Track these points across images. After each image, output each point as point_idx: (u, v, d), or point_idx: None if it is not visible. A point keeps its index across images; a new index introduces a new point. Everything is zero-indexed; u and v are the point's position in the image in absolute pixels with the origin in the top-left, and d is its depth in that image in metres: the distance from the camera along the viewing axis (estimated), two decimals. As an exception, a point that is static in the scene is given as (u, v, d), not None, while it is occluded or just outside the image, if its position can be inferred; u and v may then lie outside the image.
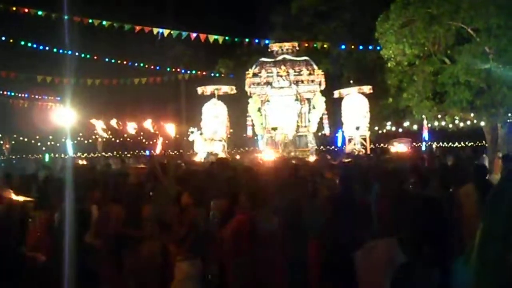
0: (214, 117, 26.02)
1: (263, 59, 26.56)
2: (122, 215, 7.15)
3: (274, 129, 25.37)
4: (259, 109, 26.05)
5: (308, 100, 26.09)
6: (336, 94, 26.79)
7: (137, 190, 8.18)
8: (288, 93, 25.43)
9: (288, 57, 26.28)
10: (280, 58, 26.25)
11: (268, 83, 25.84)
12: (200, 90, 26.80)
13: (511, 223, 1.34)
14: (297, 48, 26.92)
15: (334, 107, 27.10)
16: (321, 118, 25.85)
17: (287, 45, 26.55)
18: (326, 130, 26.30)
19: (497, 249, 1.38)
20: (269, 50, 27.01)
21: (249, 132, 26.61)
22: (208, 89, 26.68)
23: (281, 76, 25.59)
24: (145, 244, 6.84)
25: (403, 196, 6.64)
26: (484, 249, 1.44)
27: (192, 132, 25.31)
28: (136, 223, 7.04)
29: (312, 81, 25.77)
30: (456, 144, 40.41)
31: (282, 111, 25.20)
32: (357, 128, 25.27)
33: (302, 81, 25.86)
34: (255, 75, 26.18)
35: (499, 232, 1.37)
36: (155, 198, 7.69)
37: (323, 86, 25.86)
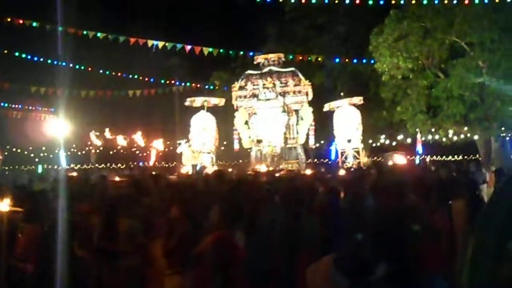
0: (203, 129, 25.40)
1: (249, 71, 26.31)
2: (100, 228, 7.00)
3: (259, 141, 25.20)
4: (246, 122, 25.72)
5: (296, 111, 25.73)
6: (326, 107, 26.18)
7: (115, 202, 8.04)
8: (275, 105, 25.15)
9: (274, 68, 25.90)
10: (266, 70, 25.90)
11: (254, 96, 25.60)
12: (188, 102, 26.43)
13: (502, 238, 1.31)
14: (283, 59, 26.55)
15: (326, 120, 26.75)
16: (308, 129, 25.39)
17: (272, 56, 26.22)
18: (311, 142, 25.80)
19: (488, 264, 1.35)
20: (254, 62, 26.62)
21: (236, 146, 26.27)
22: (197, 101, 26.23)
23: (268, 88, 25.33)
24: (123, 259, 6.53)
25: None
26: (475, 264, 1.41)
27: (179, 144, 25.07)
28: (114, 237, 6.89)
29: (299, 91, 25.44)
30: (450, 157, 40.46)
31: (269, 123, 24.91)
32: (349, 141, 24.57)
33: (289, 92, 25.51)
34: (241, 88, 25.97)
35: (491, 247, 1.35)
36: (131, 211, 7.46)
37: (310, 97, 25.56)
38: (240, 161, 31.94)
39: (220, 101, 26.75)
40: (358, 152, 24.93)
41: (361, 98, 25.24)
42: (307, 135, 25.40)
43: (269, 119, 24.93)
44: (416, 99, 25.10)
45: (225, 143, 28.46)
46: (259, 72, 25.97)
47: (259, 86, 25.54)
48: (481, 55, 22.17)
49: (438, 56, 24.42)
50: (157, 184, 9.80)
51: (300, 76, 25.62)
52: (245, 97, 25.82)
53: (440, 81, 24.11)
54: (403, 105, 25.82)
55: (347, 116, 24.93)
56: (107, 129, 28.64)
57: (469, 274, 1.44)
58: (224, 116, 27.34)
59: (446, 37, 23.35)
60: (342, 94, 26.91)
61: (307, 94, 25.46)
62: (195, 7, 35.52)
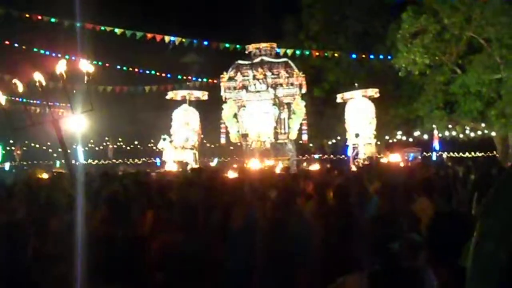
0: (185, 124, 23.91)
1: (239, 61, 24.86)
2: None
3: (245, 136, 23.95)
4: (235, 115, 24.42)
5: (288, 104, 24.27)
6: (338, 98, 24.99)
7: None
8: (265, 97, 23.82)
9: (266, 58, 24.46)
10: (257, 60, 24.46)
11: (244, 87, 24.25)
12: (170, 95, 25.08)
13: (507, 222, 1.36)
14: (276, 48, 25.20)
15: (343, 113, 26.11)
16: (301, 124, 23.99)
17: (264, 45, 24.79)
18: (305, 138, 24.33)
19: (490, 248, 1.40)
20: (246, 52, 25.22)
21: (223, 140, 24.90)
22: (179, 94, 24.94)
23: (258, 79, 24.00)
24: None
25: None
26: (478, 247, 1.46)
27: (164, 139, 23.57)
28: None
29: (292, 84, 23.95)
30: (467, 154, 40.27)
31: (259, 116, 23.59)
32: (357, 135, 22.97)
33: (281, 84, 24.02)
34: (230, 78, 24.54)
35: (496, 231, 1.39)
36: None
37: (304, 90, 24.25)
38: (229, 157, 31.24)
39: (203, 94, 25.45)
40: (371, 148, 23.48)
41: (376, 90, 24.26)
42: (300, 130, 24.05)
43: (259, 112, 23.66)
44: (433, 95, 24.98)
45: (204, 140, 27.15)
46: (249, 62, 24.63)
47: (249, 77, 24.21)
48: (499, 51, 21.99)
49: (455, 51, 24.28)
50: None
51: (294, 67, 24.29)
52: (234, 88, 24.48)
53: (457, 77, 23.98)
54: (420, 101, 25.72)
55: (359, 108, 23.67)
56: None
57: (471, 256, 1.49)
58: (209, 110, 26.36)
59: (463, 32, 23.21)
60: (356, 85, 25.63)
61: (300, 86, 24.07)
62: (210, 2, 35.60)
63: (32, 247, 4.89)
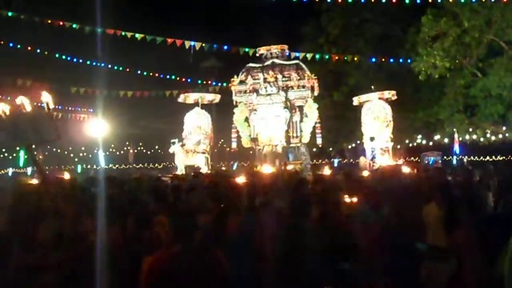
0: (197, 127, 23.34)
1: (250, 64, 24.30)
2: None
3: (254, 140, 23.32)
4: (246, 119, 23.80)
5: (300, 107, 23.40)
6: (355, 101, 24.23)
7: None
8: (276, 100, 23.07)
9: (277, 61, 23.80)
10: (268, 62, 23.86)
11: (255, 90, 23.56)
12: (182, 98, 24.51)
13: None
14: (287, 51, 24.59)
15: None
16: (314, 128, 23.18)
17: (275, 48, 24.23)
18: (319, 141, 23.51)
19: None
20: (256, 54, 24.75)
21: (234, 145, 24.36)
22: (191, 97, 24.34)
23: (269, 82, 23.26)
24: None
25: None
26: None
27: (173, 143, 22.86)
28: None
29: (303, 86, 23.13)
30: (488, 158, 39.94)
31: (270, 120, 22.94)
32: (372, 139, 22.15)
33: (292, 87, 23.25)
34: (241, 82, 23.88)
35: None
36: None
37: (316, 92, 23.51)
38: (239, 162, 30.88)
39: (215, 97, 25.00)
40: (388, 152, 22.59)
41: (393, 92, 23.38)
42: (314, 133, 23.24)
43: (270, 116, 23.03)
44: (454, 98, 24.92)
45: (222, 141, 26.85)
46: (260, 65, 24.04)
47: (260, 80, 23.59)
48: (520, 54, 21.93)
49: (476, 55, 24.18)
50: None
51: (305, 69, 23.53)
52: (245, 92, 23.80)
53: (478, 80, 23.88)
54: (440, 104, 25.64)
55: (375, 111, 22.94)
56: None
57: (509, 265, 1.50)
58: (221, 114, 26.12)
59: (483, 35, 23.11)
60: (372, 87, 24.69)
61: (312, 89, 23.31)
62: (228, 7, 35.76)
63: (17, 258, 4.99)
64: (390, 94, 23.21)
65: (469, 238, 4.83)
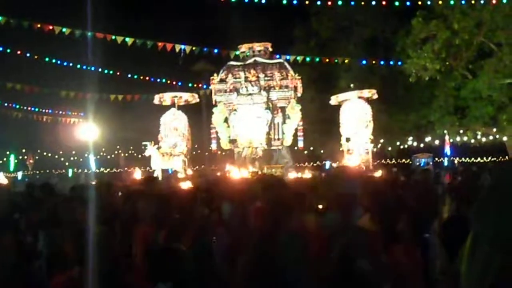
0: (173, 129, 22.43)
1: (231, 62, 23.27)
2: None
3: (232, 142, 22.41)
4: (226, 120, 22.74)
5: (282, 108, 22.29)
6: (333, 100, 23.23)
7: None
8: (257, 100, 21.99)
9: (260, 59, 22.57)
10: (250, 61, 22.64)
11: (235, 90, 22.46)
12: (157, 98, 23.51)
13: (499, 226, 1.37)
14: (270, 49, 23.29)
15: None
16: (296, 130, 22.19)
17: (258, 46, 23.01)
18: (300, 144, 22.40)
19: (484, 251, 1.41)
20: (237, 52, 23.71)
21: (213, 146, 23.22)
22: (167, 97, 23.29)
23: (250, 81, 22.12)
24: None
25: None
26: (472, 252, 1.47)
27: (145, 146, 22.04)
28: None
29: (286, 86, 22.08)
30: (478, 159, 40.11)
31: (250, 121, 21.93)
32: (347, 140, 21.33)
33: (274, 87, 22.12)
34: (221, 81, 22.75)
35: (489, 235, 1.40)
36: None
37: (299, 93, 22.66)
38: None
39: (193, 98, 24.03)
40: (367, 153, 21.71)
41: (373, 91, 22.35)
42: (295, 136, 22.22)
43: (250, 117, 22.02)
44: (444, 100, 24.98)
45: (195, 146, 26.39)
46: (242, 63, 22.89)
47: (241, 79, 22.39)
48: (510, 55, 21.97)
49: (466, 56, 24.26)
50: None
51: (289, 68, 22.53)
52: (225, 91, 22.71)
53: (468, 82, 23.97)
54: (431, 106, 25.70)
55: (354, 110, 21.81)
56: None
57: (466, 261, 1.50)
58: (199, 115, 25.45)
59: (473, 37, 23.19)
60: (352, 85, 24.27)
61: (295, 89, 22.33)
62: (220, 10, 35.71)
63: None
64: (370, 93, 22.31)
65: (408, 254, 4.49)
